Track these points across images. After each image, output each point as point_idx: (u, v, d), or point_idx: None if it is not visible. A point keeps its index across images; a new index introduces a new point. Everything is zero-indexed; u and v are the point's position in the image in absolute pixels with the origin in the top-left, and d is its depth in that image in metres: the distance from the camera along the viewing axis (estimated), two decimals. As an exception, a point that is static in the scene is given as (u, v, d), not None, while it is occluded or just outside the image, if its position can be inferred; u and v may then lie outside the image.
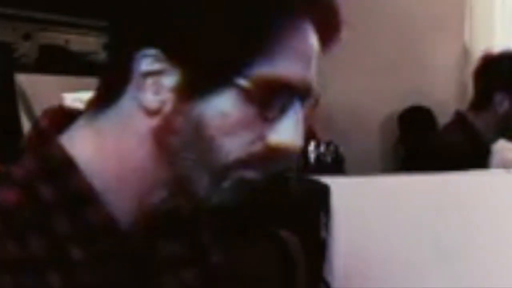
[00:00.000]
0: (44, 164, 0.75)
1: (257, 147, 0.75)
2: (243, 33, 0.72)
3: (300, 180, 1.71)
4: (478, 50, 3.17)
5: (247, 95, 0.72)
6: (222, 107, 0.72)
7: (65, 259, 0.72)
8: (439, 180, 1.59)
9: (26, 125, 2.16)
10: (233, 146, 0.74)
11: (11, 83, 2.16)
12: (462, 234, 1.53)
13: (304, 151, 2.91)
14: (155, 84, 0.73)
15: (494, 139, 2.44)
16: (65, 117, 0.80)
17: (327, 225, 1.59)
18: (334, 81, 2.87)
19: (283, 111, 0.75)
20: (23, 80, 2.20)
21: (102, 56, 2.33)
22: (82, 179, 0.75)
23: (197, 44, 0.72)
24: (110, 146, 0.76)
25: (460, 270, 1.52)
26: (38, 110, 2.20)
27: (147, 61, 0.73)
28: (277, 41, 0.73)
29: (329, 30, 0.79)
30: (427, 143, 2.56)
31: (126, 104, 0.76)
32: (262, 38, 0.72)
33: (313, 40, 0.77)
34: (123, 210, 0.77)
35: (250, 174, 0.76)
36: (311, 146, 2.94)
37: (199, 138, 0.73)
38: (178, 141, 0.74)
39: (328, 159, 2.98)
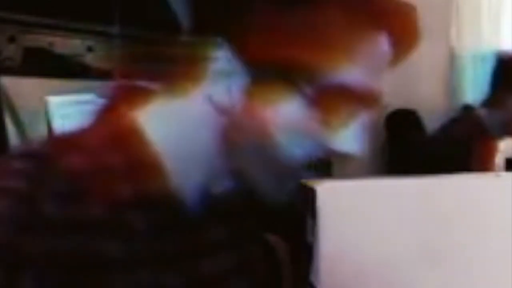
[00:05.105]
0: (113, 132, 0.77)
1: (319, 152, 0.78)
2: (312, 42, 0.73)
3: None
4: (465, 53, 3.19)
5: (311, 102, 0.74)
6: (287, 111, 0.74)
7: (125, 225, 0.73)
8: (428, 183, 1.59)
9: (10, 127, 2.14)
10: (297, 150, 0.76)
11: (-5, 85, 2.15)
12: (450, 238, 1.53)
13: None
14: (227, 84, 0.75)
15: (503, 136, 2.43)
16: (137, 95, 0.81)
17: (313, 229, 1.59)
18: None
19: (349, 119, 0.78)
20: (7, 82, 2.19)
21: (86, 58, 2.32)
22: (150, 150, 0.77)
23: (268, 49, 0.73)
24: (182, 130, 0.78)
25: (448, 274, 1.52)
26: (22, 113, 2.18)
27: (222, 61, 0.75)
28: (348, 50, 0.74)
29: (404, 43, 0.80)
30: (421, 144, 2.55)
31: (200, 100, 0.77)
32: (332, 47, 0.73)
33: (386, 50, 0.78)
34: (187, 189, 0.79)
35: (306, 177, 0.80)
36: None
37: (264, 140, 0.75)
38: (244, 139, 0.76)
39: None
